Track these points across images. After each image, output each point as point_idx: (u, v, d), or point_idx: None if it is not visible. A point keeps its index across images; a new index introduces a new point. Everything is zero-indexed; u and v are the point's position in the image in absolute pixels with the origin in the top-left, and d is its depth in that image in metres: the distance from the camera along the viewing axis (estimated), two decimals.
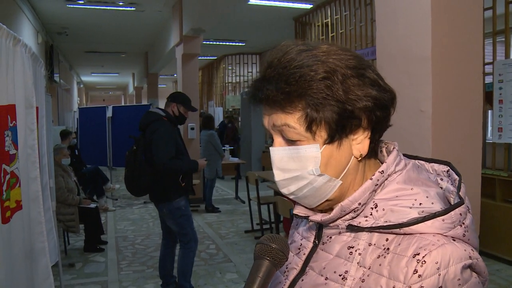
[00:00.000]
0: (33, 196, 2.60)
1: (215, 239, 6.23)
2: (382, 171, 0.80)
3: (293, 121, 0.76)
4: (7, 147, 2.15)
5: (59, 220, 4.99)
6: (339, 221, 0.81)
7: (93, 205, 5.89)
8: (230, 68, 15.72)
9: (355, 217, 0.80)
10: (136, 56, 15.95)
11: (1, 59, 2.10)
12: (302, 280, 0.86)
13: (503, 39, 5.03)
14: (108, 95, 36.42)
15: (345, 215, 0.80)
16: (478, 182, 2.17)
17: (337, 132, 0.76)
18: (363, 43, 6.82)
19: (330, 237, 0.85)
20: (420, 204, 0.76)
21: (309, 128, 0.76)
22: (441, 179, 0.85)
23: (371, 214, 0.79)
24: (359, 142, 0.79)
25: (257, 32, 11.15)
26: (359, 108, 0.76)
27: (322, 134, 0.76)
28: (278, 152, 0.80)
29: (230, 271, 4.97)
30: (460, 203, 0.75)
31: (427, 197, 0.77)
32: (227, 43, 12.71)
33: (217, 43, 12.35)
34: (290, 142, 0.79)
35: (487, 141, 5.44)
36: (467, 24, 2.06)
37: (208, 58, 15.84)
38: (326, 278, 0.81)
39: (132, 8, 8.99)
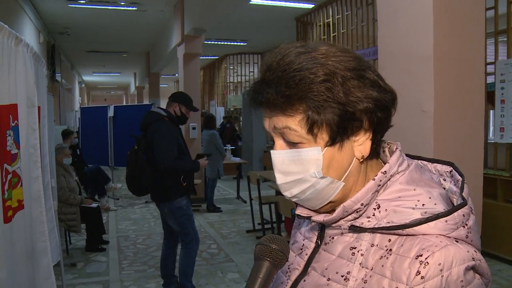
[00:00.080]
0: (35, 195, 2.60)
1: (217, 239, 6.24)
2: (385, 171, 0.79)
3: (294, 123, 0.76)
4: (9, 146, 2.16)
5: (60, 219, 5.00)
6: (341, 222, 0.81)
7: (94, 205, 5.89)
8: (231, 67, 15.72)
9: (357, 218, 0.80)
10: (137, 55, 15.96)
11: (3, 59, 2.10)
12: (304, 280, 0.86)
13: (505, 39, 5.02)
14: (110, 95, 36.46)
15: (347, 216, 0.80)
16: (479, 182, 2.16)
17: (339, 134, 0.76)
18: (365, 43, 6.81)
19: (333, 238, 0.85)
20: (423, 205, 0.76)
21: (310, 130, 0.76)
22: (444, 180, 0.85)
23: (373, 215, 0.79)
24: (361, 143, 0.79)
25: (258, 32, 11.15)
26: (360, 110, 0.75)
27: (324, 136, 0.76)
28: (280, 155, 0.80)
29: (231, 271, 4.97)
30: (463, 204, 0.75)
31: (430, 198, 0.77)
32: (229, 43, 12.72)
33: (219, 42, 12.35)
34: (291, 144, 0.79)
35: (488, 141, 5.43)
36: (469, 24, 2.06)
37: (209, 57, 15.85)
38: (328, 279, 0.81)
39: (134, 8, 8.99)
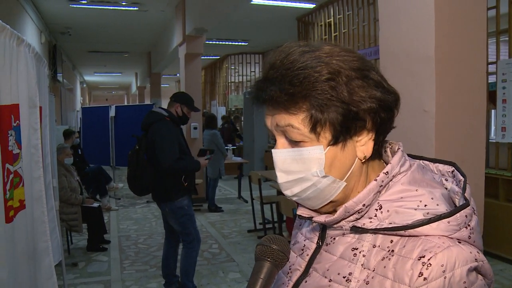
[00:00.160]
0: (37, 195, 2.60)
1: (218, 239, 6.24)
2: (387, 172, 0.79)
3: (297, 122, 0.76)
4: (11, 146, 2.16)
5: (62, 219, 5.01)
6: (343, 222, 0.81)
7: (96, 205, 5.90)
8: (233, 67, 15.72)
9: (359, 219, 0.80)
10: (139, 55, 15.97)
11: (5, 59, 2.11)
12: (306, 281, 0.85)
13: (507, 38, 5.01)
14: (111, 95, 36.48)
15: (349, 216, 0.80)
16: (481, 182, 2.16)
17: (342, 134, 0.76)
18: (366, 43, 6.80)
19: (334, 238, 0.84)
20: (425, 205, 0.76)
21: (313, 129, 0.75)
22: (446, 180, 0.84)
23: (375, 216, 0.78)
24: (363, 143, 0.79)
25: (259, 31, 11.15)
26: (363, 110, 0.75)
27: (327, 135, 0.76)
28: (281, 154, 0.80)
29: (233, 270, 4.97)
30: (466, 204, 0.74)
31: (432, 198, 0.76)
32: (230, 43, 12.72)
33: (220, 42, 12.35)
34: (294, 143, 0.78)
35: (490, 140, 5.43)
36: (471, 24, 2.06)
37: (211, 57, 15.85)
38: (330, 280, 0.80)
39: (135, 8, 9.00)
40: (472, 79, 2.07)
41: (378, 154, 0.83)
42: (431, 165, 0.89)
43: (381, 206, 0.78)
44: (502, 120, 4.91)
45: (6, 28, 2.10)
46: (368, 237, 0.79)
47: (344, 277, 0.78)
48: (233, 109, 15.31)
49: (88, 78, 23.81)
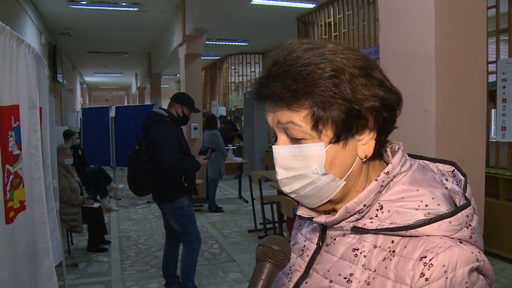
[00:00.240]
0: (37, 196, 2.60)
1: (219, 239, 6.23)
2: (388, 172, 0.79)
3: (299, 119, 0.75)
4: (11, 147, 2.16)
5: (62, 220, 5.00)
6: (343, 223, 0.80)
7: (96, 205, 5.90)
8: (233, 68, 15.72)
9: (360, 219, 0.79)
10: (139, 56, 15.97)
11: (4, 60, 2.11)
12: (306, 282, 0.85)
13: (507, 37, 5.01)
14: (111, 95, 36.48)
15: (349, 217, 0.79)
16: (482, 181, 2.16)
17: (343, 132, 0.75)
18: (366, 43, 6.80)
19: (334, 239, 0.84)
20: (426, 205, 0.75)
21: (315, 126, 0.75)
22: (446, 180, 0.84)
23: (376, 216, 0.78)
24: (365, 143, 0.78)
25: (259, 31, 11.15)
26: (366, 108, 0.75)
27: (328, 133, 0.76)
28: (282, 151, 0.79)
29: (233, 270, 4.97)
30: (467, 204, 0.74)
31: (433, 198, 0.76)
32: (230, 43, 12.72)
33: (220, 43, 12.35)
34: (295, 140, 0.78)
35: (490, 140, 5.43)
36: (471, 23, 2.06)
37: (211, 58, 15.85)
38: (331, 281, 0.80)
39: (135, 9, 8.99)
40: (472, 79, 2.07)
41: (379, 154, 0.83)
42: (431, 165, 0.88)
43: (382, 206, 0.78)
44: (502, 120, 4.91)
45: (6, 29, 2.10)
46: (369, 237, 0.78)
47: (345, 278, 0.78)
48: (233, 109, 15.32)
49: (88, 78, 23.81)
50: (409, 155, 0.86)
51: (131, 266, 5.18)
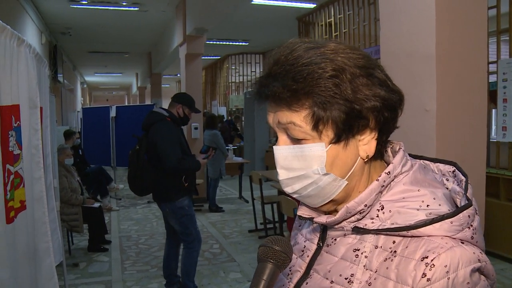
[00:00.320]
0: (37, 196, 2.60)
1: (219, 239, 6.23)
2: (389, 172, 0.78)
3: (299, 119, 0.75)
4: (11, 147, 2.16)
5: (62, 220, 5.00)
6: (344, 223, 0.80)
7: (96, 205, 5.90)
8: (233, 67, 15.72)
9: (361, 219, 0.79)
10: (139, 56, 15.97)
11: (5, 60, 2.11)
12: (307, 283, 0.85)
13: (507, 38, 5.01)
14: (112, 95, 36.48)
15: (350, 217, 0.79)
16: (482, 182, 2.15)
17: (344, 132, 0.75)
18: (367, 42, 6.80)
19: (335, 239, 0.84)
20: (428, 206, 0.75)
21: (315, 127, 0.75)
22: (447, 180, 0.84)
23: (377, 216, 0.78)
24: (366, 143, 0.78)
25: (260, 31, 11.14)
26: (367, 108, 0.74)
27: (329, 133, 0.75)
28: (282, 151, 0.79)
29: (233, 270, 4.97)
30: (468, 205, 0.74)
31: (434, 198, 0.76)
32: (231, 43, 12.71)
33: (221, 42, 12.35)
34: (295, 140, 0.77)
35: (491, 140, 5.43)
36: (471, 23, 2.05)
37: (211, 57, 15.84)
38: (332, 282, 0.79)
39: (136, 8, 8.99)
40: (473, 79, 2.07)
41: (380, 154, 0.83)
42: (432, 165, 0.88)
43: (383, 207, 0.78)
44: (503, 120, 4.91)
45: (6, 28, 2.10)
46: (370, 237, 0.78)
47: (346, 279, 0.77)
48: (234, 109, 15.31)
49: (88, 78, 23.82)
50: (410, 155, 0.86)
51: (132, 266, 5.18)
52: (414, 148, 1.68)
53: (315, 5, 8.12)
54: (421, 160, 0.87)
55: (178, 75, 16.85)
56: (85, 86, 25.81)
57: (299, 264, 0.88)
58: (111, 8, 8.92)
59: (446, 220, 0.72)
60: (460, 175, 0.83)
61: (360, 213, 0.78)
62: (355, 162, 0.78)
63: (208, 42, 9.63)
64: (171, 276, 4.24)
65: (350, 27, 7.19)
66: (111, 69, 19.89)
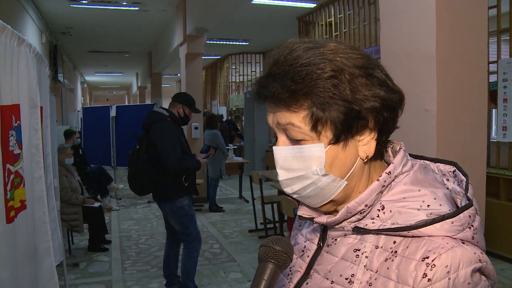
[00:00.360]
0: (38, 196, 2.60)
1: (219, 239, 6.23)
2: (389, 172, 0.78)
3: (298, 120, 0.75)
4: (12, 146, 2.16)
5: (63, 219, 5.00)
6: (344, 223, 0.80)
7: (97, 205, 5.90)
8: (233, 67, 15.71)
9: (361, 219, 0.79)
10: (139, 55, 15.97)
11: (5, 59, 2.11)
12: (307, 283, 0.84)
13: (508, 37, 5.01)
14: (112, 95, 36.48)
15: (351, 217, 0.79)
16: (483, 181, 2.15)
17: (343, 133, 0.75)
18: (367, 42, 6.80)
19: (335, 239, 0.84)
20: (428, 206, 0.75)
21: (314, 127, 0.75)
22: (447, 180, 0.84)
23: (378, 216, 0.77)
24: (365, 143, 0.78)
25: (260, 31, 11.14)
26: (366, 109, 0.74)
27: (328, 134, 0.75)
28: (282, 152, 0.79)
29: (234, 270, 4.97)
30: (469, 205, 0.74)
31: (435, 198, 0.76)
32: (231, 43, 12.72)
33: (221, 42, 12.35)
34: (294, 141, 0.77)
35: (491, 140, 5.43)
36: (472, 23, 2.05)
37: (211, 57, 15.85)
38: (332, 282, 0.79)
39: (136, 8, 8.99)
40: (473, 79, 2.07)
41: (380, 154, 0.82)
42: (432, 165, 0.88)
43: (383, 207, 0.77)
44: (503, 120, 4.91)
45: (6, 28, 2.10)
46: (371, 238, 0.78)
47: (346, 279, 0.77)
48: (234, 108, 15.31)
49: (88, 78, 23.82)
50: (410, 155, 0.86)
51: (132, 266, 5.18)
52: (414, 148, 1.68)
53: (315, 5, 8.12)
54: (422, 160, 0.87)
55: (178, 74, 16.85)
56: (85, 85, 25.81)
57: (299, 264, 0.88)
58: (111, 7, 8.92)
59: (447, 220, 0.71)
60: (461, 175, 0.83)
61: (360, 213, 0.78)
62: (354, 162, 0.78)
63: (208, 41, 9.63)
64: (171, 276, 4.24)
65: (350, 27, 7.19)
66: (111, 69, 19.89)
